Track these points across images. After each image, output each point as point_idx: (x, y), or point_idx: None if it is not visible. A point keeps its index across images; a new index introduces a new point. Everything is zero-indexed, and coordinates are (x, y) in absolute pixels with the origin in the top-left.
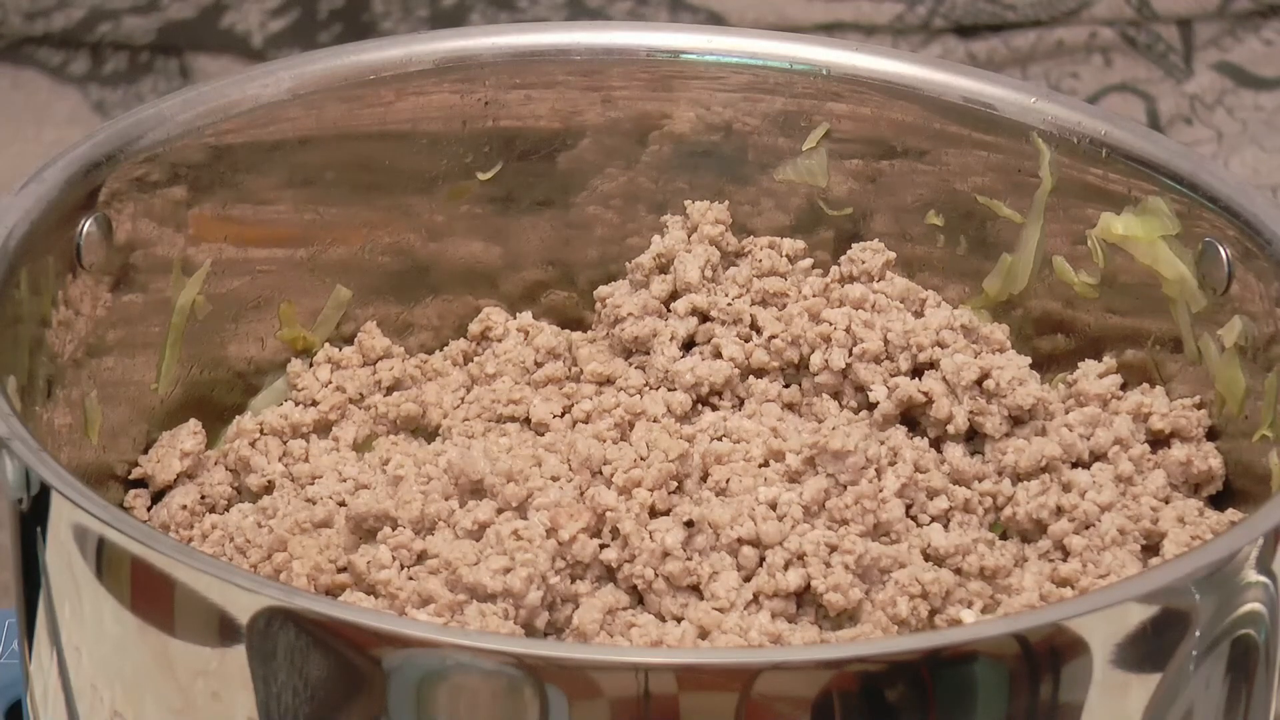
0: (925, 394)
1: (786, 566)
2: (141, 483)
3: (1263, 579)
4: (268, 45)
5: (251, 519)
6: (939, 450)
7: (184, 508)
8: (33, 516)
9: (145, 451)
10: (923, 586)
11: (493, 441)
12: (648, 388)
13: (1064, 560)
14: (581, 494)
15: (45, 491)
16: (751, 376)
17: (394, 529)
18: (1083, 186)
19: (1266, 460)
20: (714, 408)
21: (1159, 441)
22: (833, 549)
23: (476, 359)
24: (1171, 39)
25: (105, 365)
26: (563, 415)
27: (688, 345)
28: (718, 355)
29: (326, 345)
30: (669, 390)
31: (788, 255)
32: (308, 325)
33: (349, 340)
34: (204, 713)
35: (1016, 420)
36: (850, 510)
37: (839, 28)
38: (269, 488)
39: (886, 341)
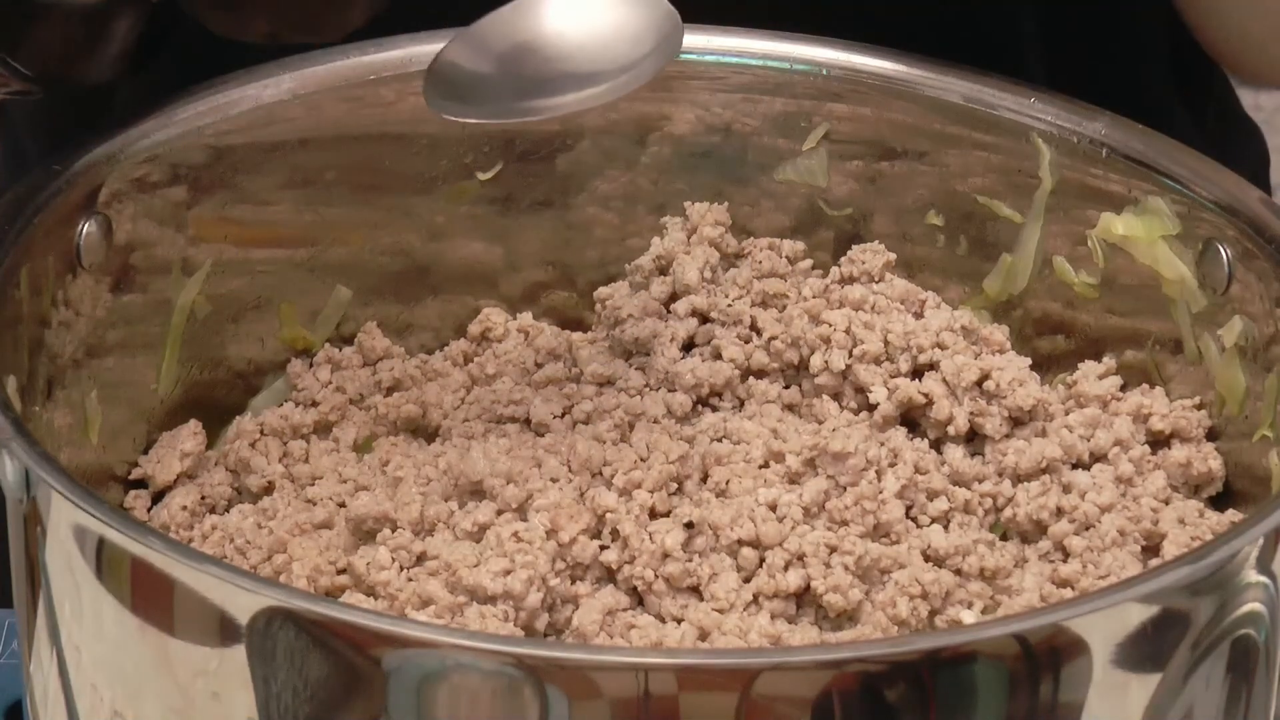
0: (925, 395)
1: (786, 567)
2: (141, 483)
3: (1263, 579)
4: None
5: (251, 520)
6: (939, 451)
7: (184, 508)
8: (33, 516)
9: (145, 452)
10: (923, 587)
11: (492, 443)
12: (648, 389)
13: (1064, 561)
14: (581, 495)
15: (45, 491)
16: (751, 378)
17: (394, 530)
18: (1083, 186)
19: (1266, 461)
20: (714, 409)
21: (1159, 442)
22: (832, 550)
23: (477, 359)
24: None
25: (105, 365)
26: (563, 416)
27: (688, 346)
28: (718, 356)
29: (326, 345)
30: (669, 391)
31: (787, 256)
32: (308, 325)
33: (349, 340)
34: (204, 713)
35: (1016, 421)
36: (850, 511)
37: None
38: (269, 489)
39: (886, 343)
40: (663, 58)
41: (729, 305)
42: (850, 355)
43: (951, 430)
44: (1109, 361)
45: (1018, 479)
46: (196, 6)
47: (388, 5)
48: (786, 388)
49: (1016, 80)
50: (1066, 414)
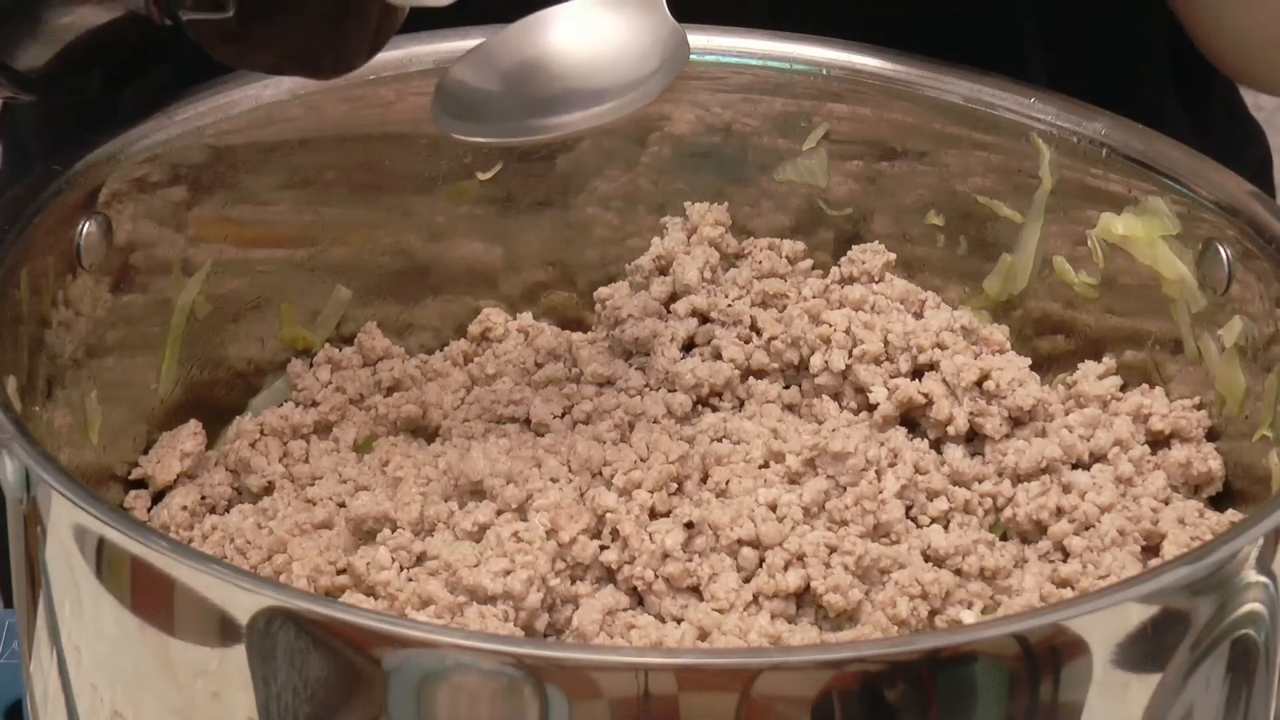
0: (925, 395)
1: (786, 567)
2: (142, 483)
3: (1263, 579)
4: None
5: (251, 520)
6: (939, 451)
7: (184, 508)
8: (33, 516)
9: (145, 452)
10: (923, 587)
11: (492, 443)
12: (648, 389)
13: (1064, 561)
14: (581, 495)
15: (45, 491)
16: (752, 378)
17: (394, 530)
18: (1083, 186)
19: (1266, 461)
20: (714, 409)
21: (1159, 442)
22: (832, 550)
23: (477, 360)
24: None
25: (105, 365)
26: (563, 416)
27: (688, 346)
28: (718, 356)
29: (326, 345)
30: (669, 391)
31: (787, 257)
32: (308, 325)
33: (349, 340)
34: (204, 713)
35: (1016, 421)
36: (850, 511)
37: None
38: (269, 489)
39: (886, 343)
40: (669, 74)
41: (729, 305)
42: (850, 355)
43: (951, 430)
44: (1109, 361)
45: (1018, 479)
46: (202, 36)
47: (386, 41)
48: (786, 388)
49: (1016, 80)
50: (1066, 414)
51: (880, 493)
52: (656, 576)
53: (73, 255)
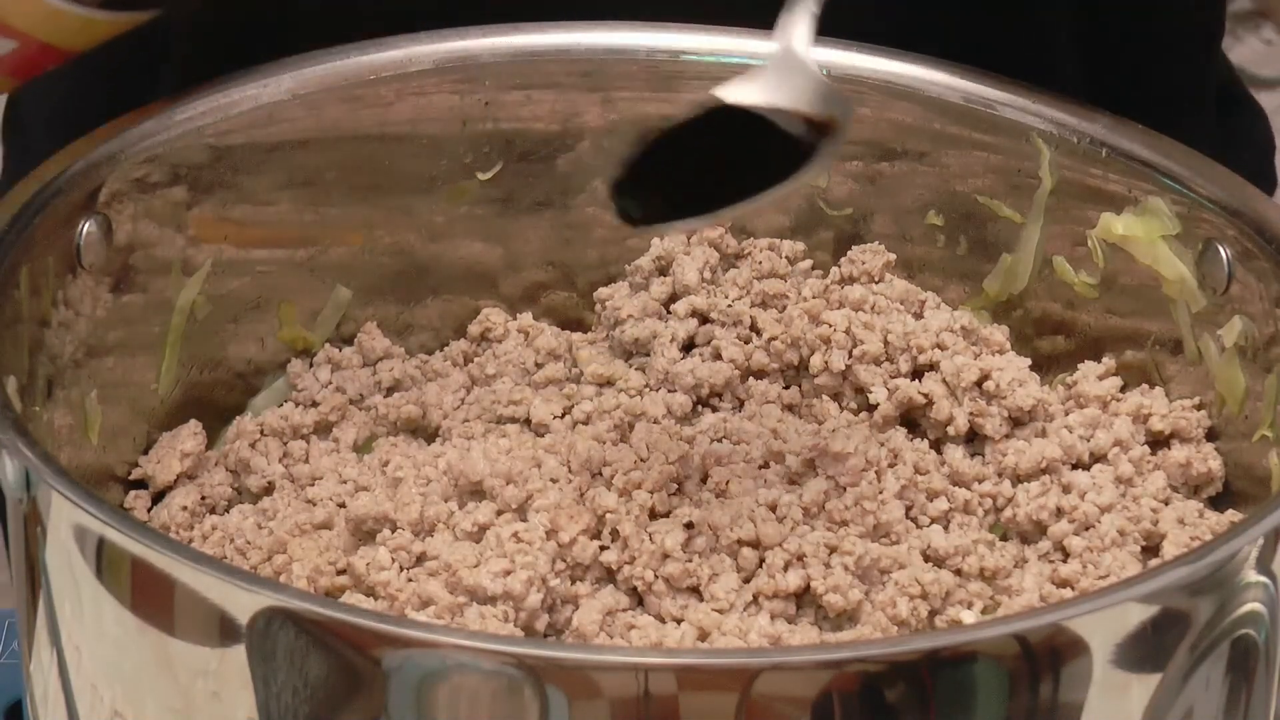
0: (925, 396)
1: (786, 568)
2: (142, 483)
3: (1263, 579)
4: None
5: (251, 520)
6: (939, 452)
7: (184, 509)
8: (33, 516)
9: (145, 452)
10: (922, 587)
11: (492, 443)
12: (648, 389)
13: (1064, 561)
14: (581, 496)
15: (45, 491)
16: (751, 378)
17: (394, 531)
18: (1083, 186)
19: (1266, 461)
20: (714, 409)
21: (1159, 442)
22: (832, 550)
23: (476, 360)
24: None
25: (105, 365)
26: (563, 416)
27: (688, 347)
28: (718, 357)
29: (326, 345)
30: (669, 392)
31: (787, 257)
32: (308, 325)
33: (349, 340)
34: (204, 713)
35: (1016, 422)
36: (850, 512)
37: None
38: (269, 489)
39: (886, 343)
40: (840, 138)
41: (729, 305)
42: (850, 355)
43: (951, 430)
44: (1109, 361)
45: (1018, 479)
46: None
47: None
48: (786, 388)
49: (1016, 80)
50: (1066, 414)
51: (880, 493)
52: (656, 577)
53: (73, 255)
